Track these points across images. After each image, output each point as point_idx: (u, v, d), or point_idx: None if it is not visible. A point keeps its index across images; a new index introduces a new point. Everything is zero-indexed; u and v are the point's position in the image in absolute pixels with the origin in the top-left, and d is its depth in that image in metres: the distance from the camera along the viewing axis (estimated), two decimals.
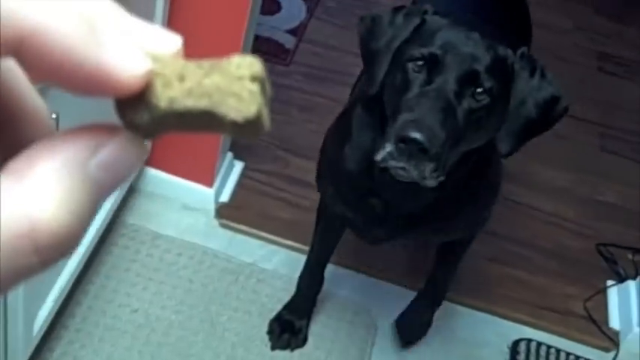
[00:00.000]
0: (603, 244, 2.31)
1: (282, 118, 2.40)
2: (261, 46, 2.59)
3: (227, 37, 1.85)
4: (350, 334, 1.98)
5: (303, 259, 2.09)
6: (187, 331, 1.89)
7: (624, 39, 3.20)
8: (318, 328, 1.97)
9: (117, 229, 2.04)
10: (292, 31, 2.74)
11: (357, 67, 2.67)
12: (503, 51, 1.30)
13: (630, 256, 2.29)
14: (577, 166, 2.56)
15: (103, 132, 0.28)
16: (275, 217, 2.17)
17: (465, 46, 1.27)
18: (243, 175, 2.25)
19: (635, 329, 2.06)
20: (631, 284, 2.17)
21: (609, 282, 2.22)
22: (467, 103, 1.26)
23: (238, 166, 2.25)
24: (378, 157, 1.26)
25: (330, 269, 1.93)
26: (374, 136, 1.40)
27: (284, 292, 2.00)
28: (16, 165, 0.26)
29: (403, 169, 1.25)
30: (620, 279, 2.21)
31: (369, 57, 1.37)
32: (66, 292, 1.76)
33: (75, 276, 1.79)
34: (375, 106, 1.40)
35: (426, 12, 1.33)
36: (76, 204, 0.26)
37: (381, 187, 1.45)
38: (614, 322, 2.13)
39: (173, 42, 0.29)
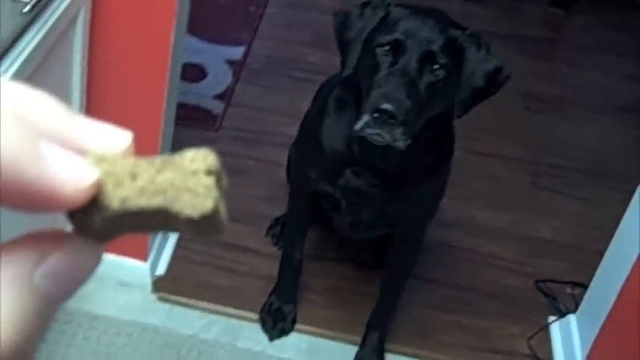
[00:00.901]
0: (542, 281, 2.33)
1: None
2: (189, 115, 2.60)
3: (147, 108, 1.86)
4: None
5: (243, 325, 2.07)
6: None
7: (548, 76, 3.28)
8: None
9: None
10: (220, 96, 2.76)
11: (285, 126, 2.70)
12: (454, 32, 1.56)
13: (569, 290, 2.31)
14: (511, 205, 2.59)
15: (48, 240, 0.26)
16: (213, 286, 2.15)
17: (423, 31, 1.53)
18: (177, 245, 2.23)
19: None
20: (572, 318, 2.18)
21: (551, 318, 2.24)
22: (427, 77, 1.52)
23: (172, 238, 2.23)
24: (357, 126, 1.52)
25: None
26: (350, 111, 1.65)
27: None
28: None
29: (378, 134, 1.50)
30: (561, 314, 2.23)
31: (343, 46, 1.63)
32: None
33: None
34: (351, 87, 1.66)
35: (389, 5, 1.58)
36: (19, 320, 0.24)
37: (359, 155, 1.67)
38: (559, 358, 2.13)
39: (122, 139, 0.27)
